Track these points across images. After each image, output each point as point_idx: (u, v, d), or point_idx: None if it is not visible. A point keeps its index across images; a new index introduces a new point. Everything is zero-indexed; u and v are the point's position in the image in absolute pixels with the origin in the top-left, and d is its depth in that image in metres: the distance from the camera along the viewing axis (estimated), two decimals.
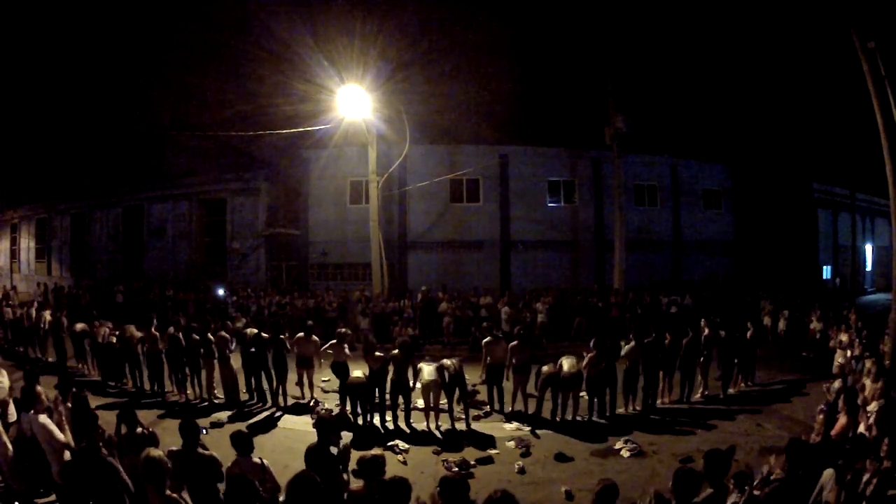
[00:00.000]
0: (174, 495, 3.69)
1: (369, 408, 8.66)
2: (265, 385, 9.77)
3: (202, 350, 9.96)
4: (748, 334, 10.84)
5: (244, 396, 10.05)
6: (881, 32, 9.61)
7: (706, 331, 10.23)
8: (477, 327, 14.31)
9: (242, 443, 4.64)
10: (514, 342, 9.20)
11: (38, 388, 5.69)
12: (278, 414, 9.35)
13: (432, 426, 8.55)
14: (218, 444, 4.70)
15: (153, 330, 10.45)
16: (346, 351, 9.43)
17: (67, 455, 5.22)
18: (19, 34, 25.82)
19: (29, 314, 13.63)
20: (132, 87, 26.10)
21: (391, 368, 8.54)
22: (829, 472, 4.27)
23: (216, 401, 10.02)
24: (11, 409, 6.12)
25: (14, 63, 26.17)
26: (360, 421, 8.60)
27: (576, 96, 21.72)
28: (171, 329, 10.32)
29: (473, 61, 22.22)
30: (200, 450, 4.58)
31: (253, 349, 9.70)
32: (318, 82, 15.79)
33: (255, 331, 10.10)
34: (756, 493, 4.24)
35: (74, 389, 6.19)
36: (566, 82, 22.36)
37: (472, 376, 10.97)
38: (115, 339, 10.68)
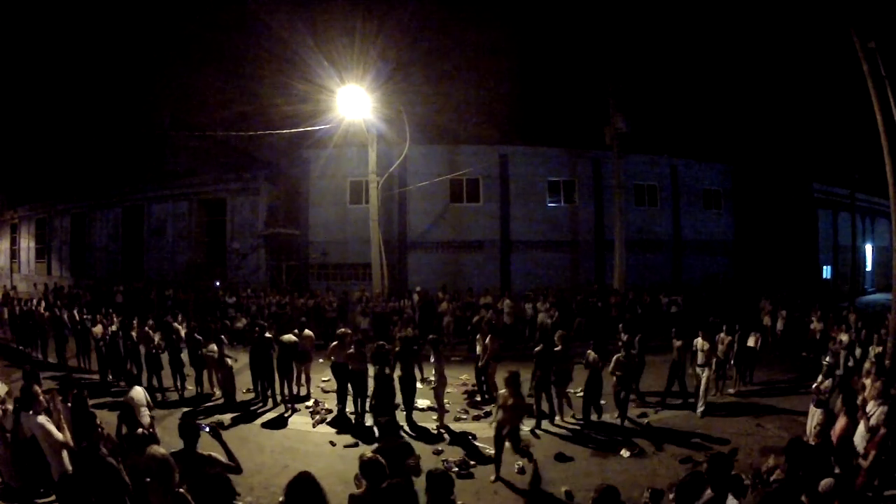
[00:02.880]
0: (180, 491, 3.67)
1: (367, 403, 8.66)
2: (277, 385, 9.84)
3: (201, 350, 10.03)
4: (750, 340, 10.93)
5: (248, 396, 10.08)
6: (881, 32, 9.61)
7: (705, 345, 9.44)
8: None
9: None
10: (490, 335, 9.97)
11: (36, 387, 5.68)
12: (279, 414, 9.34)
13: (434, 425, 8.55)
14: (218, 445, 4.69)
15: (147, 328, 10.50)
16: (351, 350, 9.40)
17: (66, 455, 5.22)
18: (20, 34, 25.83)
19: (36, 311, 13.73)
20: (133, 87, 26.12)
21: (397, 365, 8.63)
22: (827, 482, 4.26)
23: (214, 400, 10.05)
24: (9, 408, 6.10)
25: (15, 63, 26.18)
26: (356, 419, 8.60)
27: (576, 96, 21.75)
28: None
29: (473, 61, 22.25)
30: (200, 451, 4.57)
31: (259, 349, 9.74)
32: (318, 82, 15.81)
33: (292, 336, 10.10)
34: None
35: (76, 390, 6.18)
36: (566, 82, 22.38)
37: (473, 376, 10.99)
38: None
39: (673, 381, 9.76)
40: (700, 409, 9.15)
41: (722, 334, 10.02)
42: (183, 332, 11.10)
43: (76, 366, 12.25)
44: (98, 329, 11.62)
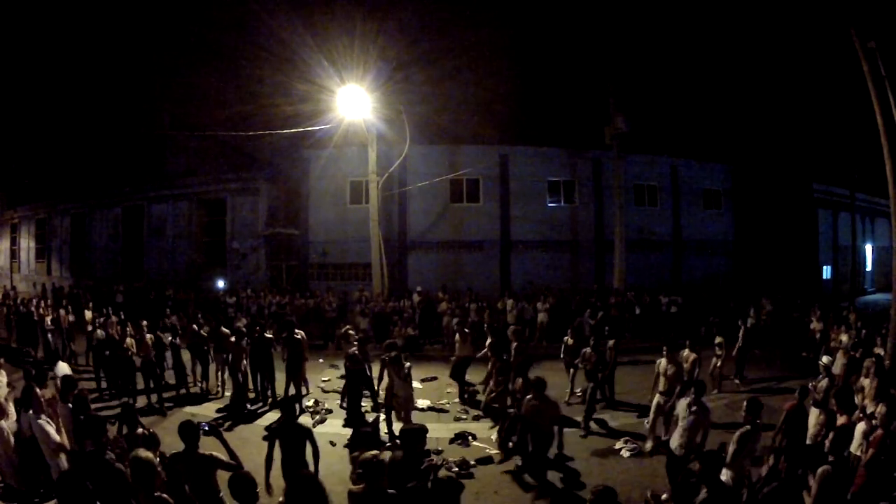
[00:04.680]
0: (164, 496, 3.66)
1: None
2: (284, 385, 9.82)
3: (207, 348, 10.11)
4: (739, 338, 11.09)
5: (248, 396, 10.09)
6: (881, 32, 9.61)
7: (669, 369, 7.64)
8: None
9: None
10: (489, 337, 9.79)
11: (37, 388, 5.68)
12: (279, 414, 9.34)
13: (435, 425, 8.55)
14: (219, 445, 4.70)
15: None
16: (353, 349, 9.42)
17: (65, 456, 5.21)
18: (20, 34, 25.82)
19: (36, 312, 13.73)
20: (132, 88, 26.12)
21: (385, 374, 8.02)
22: (824, 468, 4.33)
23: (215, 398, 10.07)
24: (11, 408, 6.12)
25: (15, 63, 26.17)
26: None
27: (576, 96, 21.73)
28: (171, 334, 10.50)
29: (473, 61, 22.21)
30: (201, 450, 4.58)
31: (259, 348, 9.73)
32: (318, 82, 15.80)
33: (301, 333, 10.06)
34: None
35: (77, 391, 6.18)
36: (566, 82, 22.36)
37: (475, 376, 10.99)
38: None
39: (602, 386, 9.22)
40: (648, 445, 7.52)
41: (686, 351, 8.41)
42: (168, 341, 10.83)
43: (77, 366, 12.26)
44: (99, 333, 11.53)
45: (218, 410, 9.57)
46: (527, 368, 7.82)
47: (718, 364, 10.43)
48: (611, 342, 9.69)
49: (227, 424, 8.60)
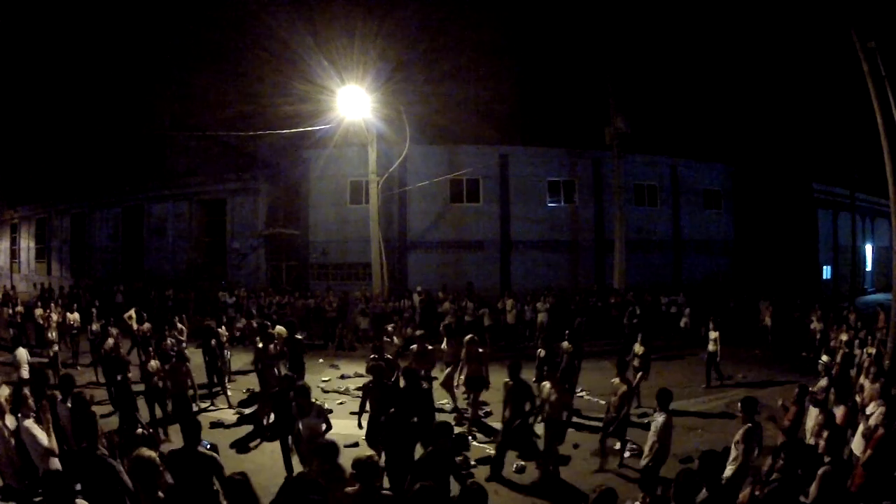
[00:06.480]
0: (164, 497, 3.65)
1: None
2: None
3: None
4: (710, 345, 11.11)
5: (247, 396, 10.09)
6: (881, 32, 9.62)
7: (552, 394, 6.54)
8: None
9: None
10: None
11: (26, 390, 5.67)
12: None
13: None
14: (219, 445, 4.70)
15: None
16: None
17: (54, 460, 5.18)
18: (20, 34, 25.84)
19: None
20: (133, 88, 26.11)
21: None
22: (824, 468, 4.34)
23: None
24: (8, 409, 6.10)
25: (15, 63, 26.18)
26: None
27: (576, 96, 21.74)
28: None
29: (473, 61, 22.23)
30: (201, 449, 4.57)
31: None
32: (318, 82, 15.80)
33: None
34: (756, 492, 4.27)
35: (75, 390, 6.18)
36: (566, 83, 22.38)
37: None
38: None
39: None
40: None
41: (616, 380, 7.05)
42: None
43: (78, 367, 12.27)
44: (110, 342, 11.37)
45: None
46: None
47: (639, 376, 9.11)
48: (566, 344, 9.50)
49: (228, 423, 8.58)
